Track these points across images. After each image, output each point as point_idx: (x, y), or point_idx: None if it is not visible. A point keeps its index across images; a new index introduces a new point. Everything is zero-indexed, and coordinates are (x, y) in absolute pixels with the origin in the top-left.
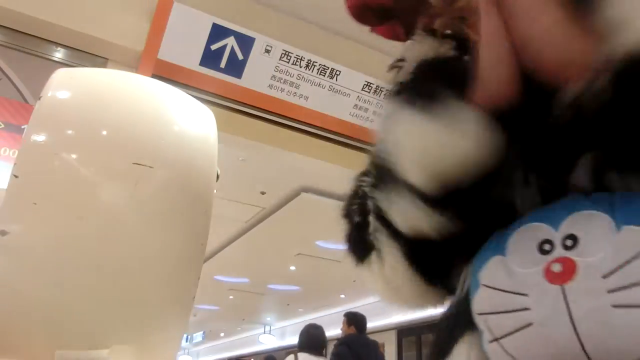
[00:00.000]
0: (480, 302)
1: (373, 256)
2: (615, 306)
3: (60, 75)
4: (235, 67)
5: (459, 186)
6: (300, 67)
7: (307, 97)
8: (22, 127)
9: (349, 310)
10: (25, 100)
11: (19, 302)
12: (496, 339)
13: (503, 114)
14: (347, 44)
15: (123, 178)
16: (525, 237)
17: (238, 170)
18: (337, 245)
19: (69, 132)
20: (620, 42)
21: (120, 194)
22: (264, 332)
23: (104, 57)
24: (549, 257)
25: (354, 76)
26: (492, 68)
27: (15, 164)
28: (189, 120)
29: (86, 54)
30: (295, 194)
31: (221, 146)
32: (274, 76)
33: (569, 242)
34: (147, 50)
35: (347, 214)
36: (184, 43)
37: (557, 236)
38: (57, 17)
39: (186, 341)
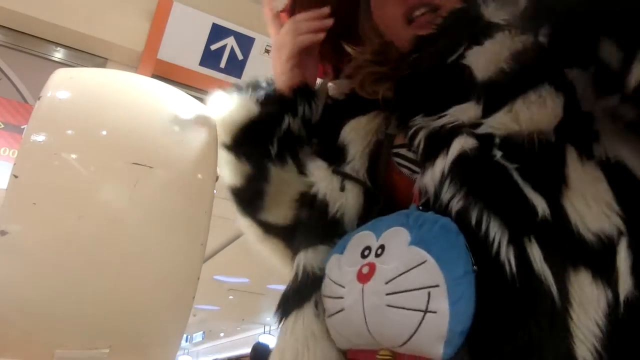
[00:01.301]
0: (323, 287)
1: None
2: (388, 305)
3: (60, 75)
4: (235, 67)
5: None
6: None
7: None
8: (22, 127)
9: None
10: (25, 100)
11: (19, 302)
12: (329, 317)
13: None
14: None
15: (123, 178)
16: (357, 242)
17: None
18: None
19: (69, 132)
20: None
21: (120, 193)
22: (264, 332)
23: (103, 57)
24: (364, 261)
25: None
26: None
27: (15, 163)
28: (189, 121)
29: (86, 54)
30: None
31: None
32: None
33: (379, 251)
34: (147, 50)
35: None
36: (184, 43)
37: (375, 244)
38: (57, 17)
39: (186, 341)
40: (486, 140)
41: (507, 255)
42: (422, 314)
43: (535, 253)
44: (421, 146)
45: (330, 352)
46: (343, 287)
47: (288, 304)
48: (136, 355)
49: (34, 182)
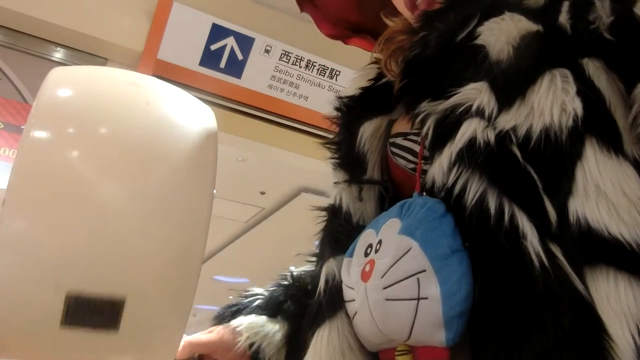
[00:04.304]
0: (343, 294)
1: None
2: (387, 299)
3: (57, 73)
4: (235, 67)
5: None
6: (300, 67)
7: (307, 97)
8: (22, 127)
9: None
10: (25, 100)
11: (18, 298)
12: (353, 321)
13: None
14: None
15: (122, 175)
16: (362, 242)
17: (238, 170)
18: None
19: (67, 129)
20: None
21: (120, 190)
22: None
23: (103, 57)
24: (366, 259)
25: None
26: None
27: (14, 161)
28: (189, 118)
29: (86, 54)
30: (295, 194)
31: (221, 146)
32: (273, 76)
33: (378, 246)
34: (147, 50)
35: None
36: (184, 43)
37: (375, 241)
38: (57, 17)
39: None
40: (500, 131)
41: (535, 248)
42: (415, 302)
43: (556, 250)
44: (430, 134)
45: (366, 357)
46: (353, 289)
47: (320, 314)
48: (135, 354)
49: (33, 180)
